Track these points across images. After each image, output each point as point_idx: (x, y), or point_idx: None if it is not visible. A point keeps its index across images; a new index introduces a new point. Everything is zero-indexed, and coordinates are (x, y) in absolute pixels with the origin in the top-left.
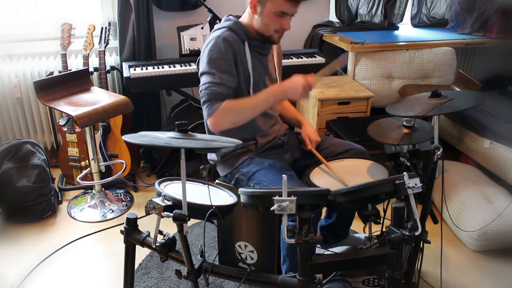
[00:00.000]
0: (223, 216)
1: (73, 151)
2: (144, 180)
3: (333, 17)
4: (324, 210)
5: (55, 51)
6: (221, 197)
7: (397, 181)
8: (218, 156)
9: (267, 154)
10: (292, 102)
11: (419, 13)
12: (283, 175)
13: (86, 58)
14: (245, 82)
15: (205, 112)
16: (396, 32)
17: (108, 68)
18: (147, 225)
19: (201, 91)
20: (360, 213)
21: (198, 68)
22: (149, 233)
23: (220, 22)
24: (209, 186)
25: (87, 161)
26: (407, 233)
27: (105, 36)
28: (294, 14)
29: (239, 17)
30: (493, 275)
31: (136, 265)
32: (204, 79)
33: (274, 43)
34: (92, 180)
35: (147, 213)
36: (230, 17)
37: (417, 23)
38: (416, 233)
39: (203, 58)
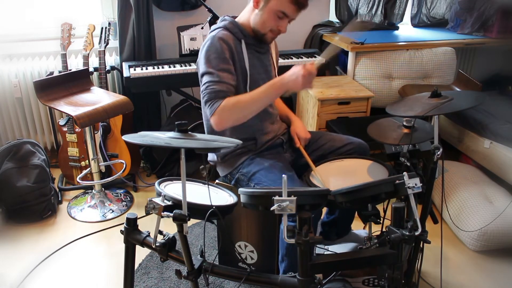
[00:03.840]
0: (223, 216)
1: (73, 151)
2: (144, 180)
3: (333, 17)
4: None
5: (55, 51)
6: (221, 197)
7: (397, 181)
8: (218, 156)
9: (267, 153)
10: (289, 101)
11: (419, 13)
12: (283, 175)
13: (86, 58)
14: (242, 80)
15: (207, 111)
16: (396, 32)
17: (108, 68)
18: (147, 225)
19: (202, 92)
20: (360, 213)
21: (197, 69)
22: (149, 233)
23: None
24: (209, 186)
25: (87, 161)
26: (407, 233)
27: (105, 36)
28: (293, 20)
29: (235, 17)
30: (493, 275)
31: (136, 265)
32: (203, 80)
33: (265, 43)
34: (92, 180)
35: (147, 213)
36: (226, 17)
37: (417, 23)
38: (416, 233)
39: (201, 58)
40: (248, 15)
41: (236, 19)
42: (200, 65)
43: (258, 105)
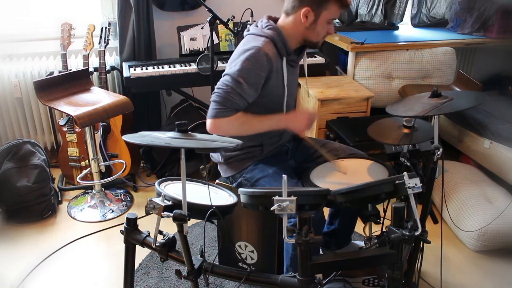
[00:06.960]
0: (223, 216)
1: (73, 151)
2: (144, 180)
3: None
4: (326, 216)
5: (55, 51)
6: (221, 197)
7: (397, 181)
8: (223, 157)
9: (272, 160)
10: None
11: (419, 13)
12: (283, 175)
13: (86, 58)
14: (279, 95)
15: (211, 111)
16: (396, 32)
17: (108, 68)
18: (147, 225)
19: (218, 88)
20: (360, 213)
21: (227, 65)
22: (149, 233)
23: (229, 20)
24: (209, 186)
25: (87, 161)
26: (407, 233)
27: (105, 36)
28: None
29: (276, 19)
30: (493, 275)
31: (136, 265)
32: (228, 81)
33: (318, 47)
34: (92, 180)
35: (147, 213)
36: (272, 23)
37: (417, 23)
38: (416, 233)
39: (237, 61)
40: (294, 27)
41: (278, 26)
42: (232, 66)
43: (258, 132)
